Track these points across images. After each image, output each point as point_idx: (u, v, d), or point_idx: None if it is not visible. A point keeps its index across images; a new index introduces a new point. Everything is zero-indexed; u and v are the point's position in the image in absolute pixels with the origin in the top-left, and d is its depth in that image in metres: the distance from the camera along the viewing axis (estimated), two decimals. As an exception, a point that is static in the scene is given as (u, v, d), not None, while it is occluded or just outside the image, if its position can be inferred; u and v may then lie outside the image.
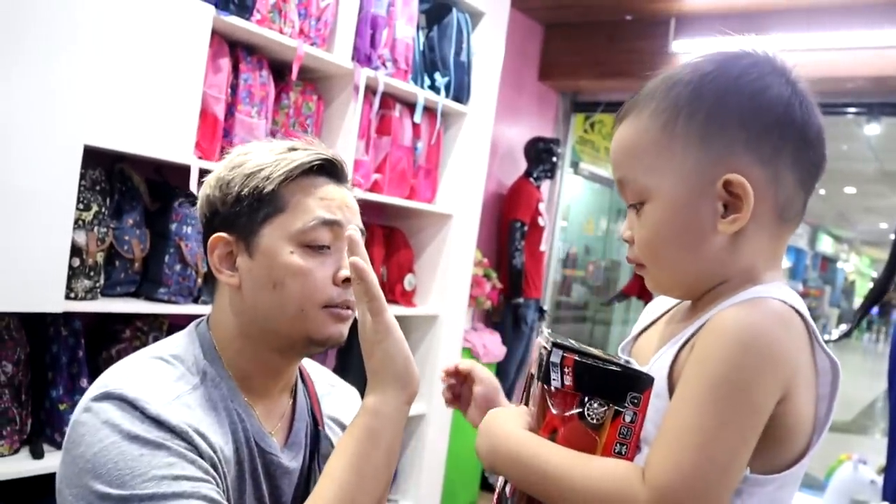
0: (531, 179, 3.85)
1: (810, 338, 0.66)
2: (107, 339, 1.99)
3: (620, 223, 6.46)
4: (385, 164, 2.62)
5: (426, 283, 2.91)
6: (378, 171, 2.62)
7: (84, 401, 0.81)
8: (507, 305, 3.79)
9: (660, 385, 0.67)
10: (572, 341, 0.73)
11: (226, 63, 2.07)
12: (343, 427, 1.05)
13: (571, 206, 5.55)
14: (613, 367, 0.66)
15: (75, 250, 1.75)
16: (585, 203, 6.19)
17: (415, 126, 2.71)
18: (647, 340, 0.80)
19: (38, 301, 1.68)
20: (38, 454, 1.75)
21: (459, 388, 0.99)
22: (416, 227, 2.94)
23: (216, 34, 2.02)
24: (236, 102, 2.12)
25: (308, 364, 1.08)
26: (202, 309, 2.03)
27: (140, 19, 1.79)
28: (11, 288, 1.61)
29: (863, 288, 18.82)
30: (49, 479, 1.69)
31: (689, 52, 3.70)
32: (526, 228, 3.77)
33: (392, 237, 2.86)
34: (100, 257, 1.84)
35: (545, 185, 4.12)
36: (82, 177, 1.75)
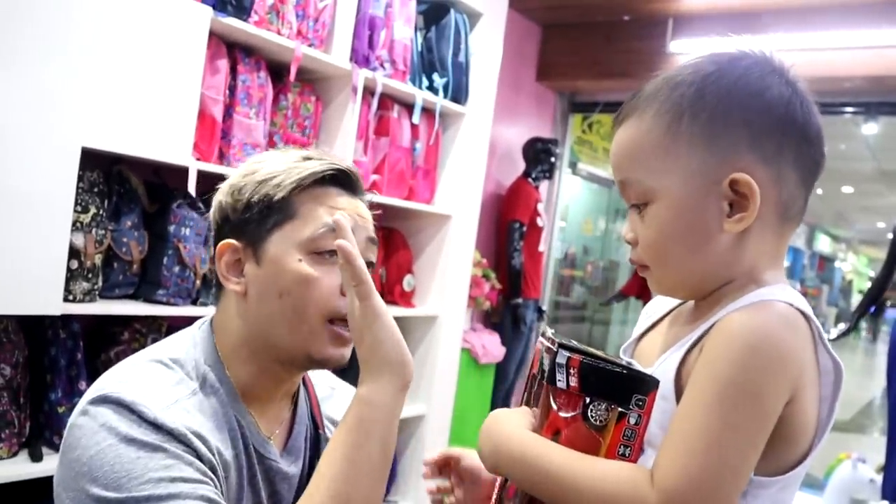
0: (529, 180, 3.85)
1: (814, 338, 0.66)
2: (105, 342, 1.99)
3: (619, 223, 6.50)
4: (383, 165, 2.62)
5: (425, 284, 2.91)
6: (376, 171, 2.62)
7: (81, 404, 0.81)
8: (505, 306, 3.79)
9: (667, 388, 0.67)
10: (575, 343, 0.73)
11: (224, 64, 2.07)
12: None
13: (570, 206, 5.56)
14: (619, 369, 0.66)
15: (73, 252, 1.75)
16: (584, 203, 6.19)
17: (413, 127, 2.71)
18: (650, 342, 0.80)
19: (37, 303, 1.67)
20: (36, 457, 1.75)
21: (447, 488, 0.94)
22: (414, 228, 2.94)
23: (214, 35, 2.01)
24: (234, 104, 2.12)
25: None
26: (201, 311, 2.03)
27: (137, 21, 1.79)
28: (9, 290, 1.61)
29: (860, 287, 18.84)
30: (48, 481, 1.68)
31: (686, 52, 3.70)
32: (524, 229, 3.76)
33: (391, 238, 2.86)
34: (98, 259, 1.83)
35: (543, 186, 4.12)
36: (80, 179, 1.74)
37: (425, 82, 2.74)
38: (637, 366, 0.72)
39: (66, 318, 1.82)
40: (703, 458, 0.61)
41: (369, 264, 0.91)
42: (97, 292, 1.85)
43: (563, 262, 5.83)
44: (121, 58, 1.77)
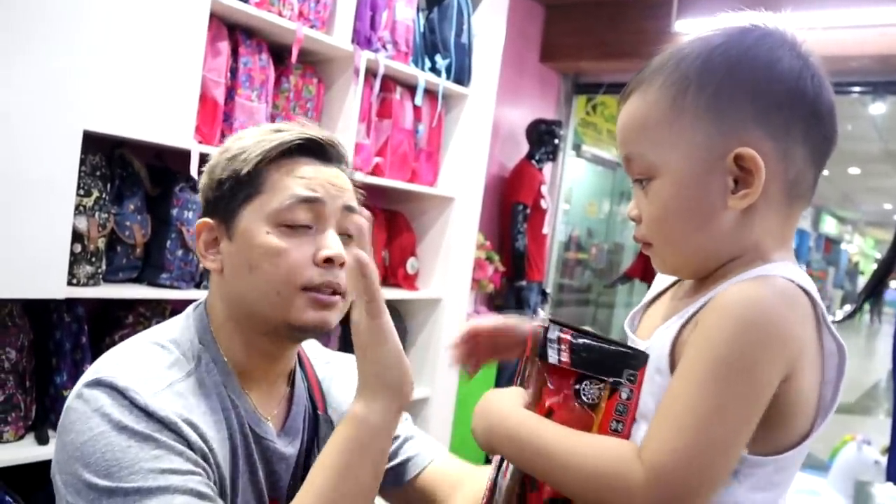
0: (533, 162, 3.84)
1: (817, 319, 0.65)
2: (110, 325, 2.00)
3: (623, 206, 6.46)
4: (386, 148, 2.61)
5: (428, 267, 2.91)
6: (379, 154, 2.61)
7: (77, 386, 0.81)
8: (509, 288, 3.79)
9: (662, 361, 0.67)
10: (572, 324, 0.72)
11: (225, 47, 2.06)
12: None
13: (574, 188, 5.53)
14: (609, 345, 0.66)
15: (76, 236, 1.75)
16: (588, 185, 6.17)
17: (416, 109, 2.70)
18: (653, 314, 0.79)
19: (41, 287, 1.68)
20: (43, 440, 1.76)
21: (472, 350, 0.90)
22: (417, 211, 2.94)
23: (214, 17, 2.00)
24: (236, 86, 2.11)
25: (306, 346, 1.06)
26: (204, 294, 2.02)
27: (138, 4, 1.78)
28: (13, 274, 1.61)
29: (866, 269, 18.79)
30: (54, 464, 1.70)
31: (692, 31, 3.66)
32: (528, 211, 3.75)
33: (394, 221, 2.86)
34: (101, 243, 1.83)
35: (547, 168, 4.10)
36: (82, 162, 1.74)
37: (428, 64, 2.72)
38: (631, 341, 0.73)
39: (71, 302, 1.82)
40: (692, 435, 0.60)
41: (349, 235, 0.90)
42: (101, 276, 1.86)
43: (568, 244, 5.82)
44: (122, 41, 1.76)
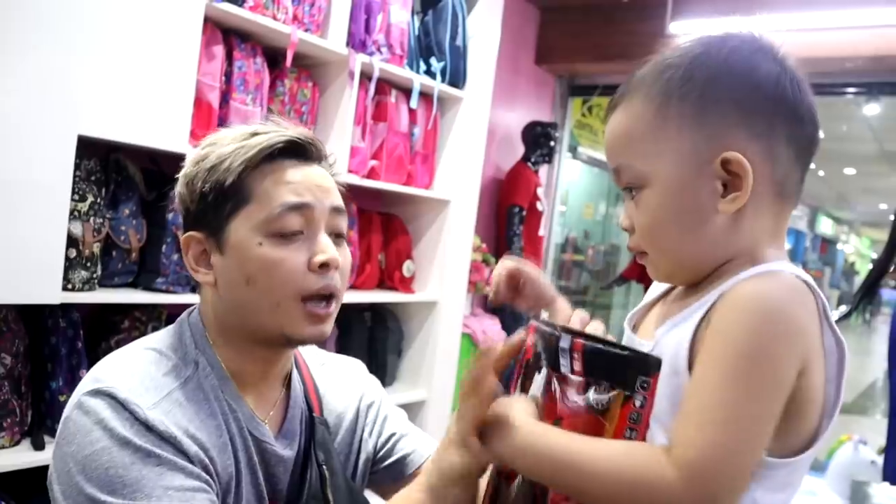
0: (529, 164, 3.84)
1: (819, 314, 0.66)
2: (105, 330, 1.99)
3: (620, 207, 6.44)
4: (382, 151, 2.61)
5: (425, 270, 2.91)
6: (375, 157, 2.61)
7: (76, 395, 0.81)
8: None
9: (679, 362, 0.66)
10: (571, 328, 0.72)
11: (219, 50, 2.06)
12: (344, 420, 1.03)
13: (570, 190, 5.53)
14: (623, 352, 0.65)
15: (71, 241, 1.75)
16: (584, 187, 6.17)
17: (411, 112, 2.70)
18: (654, 314, 0.79)
19: (36, 293, 1.68)
20: (38, 446, 1.75)
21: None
22: (413, 214, 2.94)
23: (209, 21, 2.00)
24: (231, 90, 2.10)
25: (302, 348, 1.06)
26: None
27: (132, 8, 1.78)
28: (8, 280, 1.61)
29: (863, 269, 18.82)
30: (50, 469, 1.69)
31: (686, 33, 3.67)
32: (524, 213, 3.76)
33: (390, 223, 2.86)
34: (96, 248, 1.83)
35: (543, 170, 4.11)
36: (77, 167, 1.74)
37: (423, 67, 2.72)
38: (639, 346, 0.71)
39: (66, 307, 1.82)
40: (721, 430, 0.60)
41: (339, 235, 0.91)
42: (96, 281, 1.85)
43: (564, 246, 5.82)
44: (116, 45, 1.76)
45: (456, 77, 2.81)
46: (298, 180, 0.87)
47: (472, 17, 2.88)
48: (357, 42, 2.40)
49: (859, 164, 9.67)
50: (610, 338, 0.71)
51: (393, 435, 1.06)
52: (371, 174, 2.58)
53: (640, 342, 0.73)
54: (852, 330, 14.50)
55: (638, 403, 0.64)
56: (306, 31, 2.25)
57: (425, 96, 2.75)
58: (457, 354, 3.00)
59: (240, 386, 0.90)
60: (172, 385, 0.83)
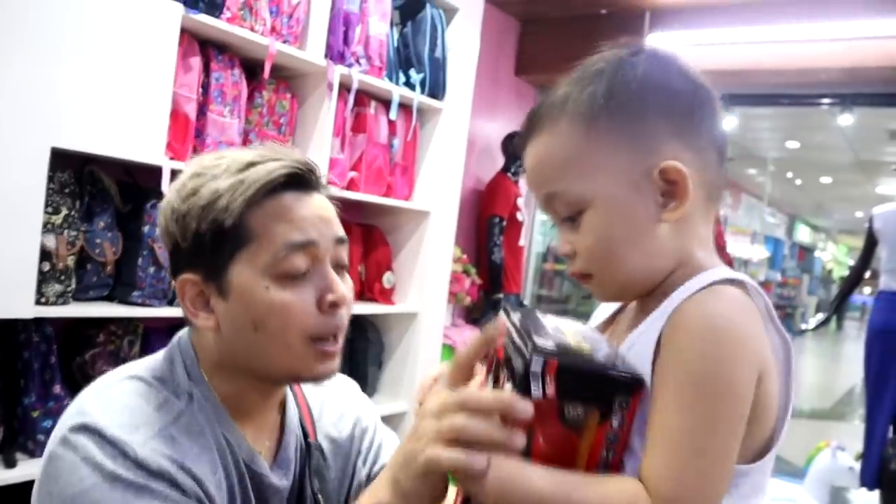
0: (509, 175, 3.85)
1: (763, 317, 0.67)
2: (80, 344, 1.97)
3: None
4: (361, 162, 2.61)
5: (405, 281, 2.90)
6: (354, 168, 2.60)
7: (61, 429, 0.77)
8: (486, 301, 3.78)
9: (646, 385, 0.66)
10: (540, 319, 0.69)
11: (196, 62, 2.05)
12: (338, 445, 0.99)
13: (551, 200, 5.56)
14: (601, 371, 0.62)
15: (45, 254, 1.73)
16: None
17: (390, 123, 2.70)
18: (610, 334, 0.79)
19: (8, 307, 1.65)
20: (10, 463, 1.72)
21: None
22: (393, 225, 2.93)
23: (186, 33, 1.99)
24: (208, 102, 2.09)
25: None
26: (177, 311, 1.99)
27: (107, 19, 1.76)
28: (-21, 294, 1.58)
29: (840, 276, 19.04)
30: (22, 487, 1.66)
31: (664, 44, 3.70)
32: (504, 224, 3.76)
33: (370, 235, 2.85)
34: (70, 261, 1.81)
35: (523, 181, 4.12)
36: (50, 180, 1.72)
37: (402, 78, 2.73)
38: (617, 353, 0.69)
39: (39, 322, 1.79)
40: (694, 461, 0.61)
41: (342, 266, 0.87)
42: (70, 294, 1.83)
43: (546, 255, 5.84)
44: (90, 56, 1.74)
45: (435, 88, 2.81)
46: (301, 216, 0.82)
47: (452, 28, 2.88)
48: (336, 54, 2.40)
49: (835, 173, 9.81)
50: (581, 337, 0.68)
51: (373, 443, 1.04)
52: (350, 186, 2.58)
53: (612, 346, 0.72)
54: (830, 337, 14.64)
55: (616, 423, 0.62)
56: (284, 42, 2.25)
57: (405, 108, 2.75)
58: (437, 366, 2.99)
59: (235, 416, 0.87)
60: (165, 420, 0.79)
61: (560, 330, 0.68)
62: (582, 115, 0.70)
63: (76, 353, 1.95)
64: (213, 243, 0.81)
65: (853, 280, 3.94)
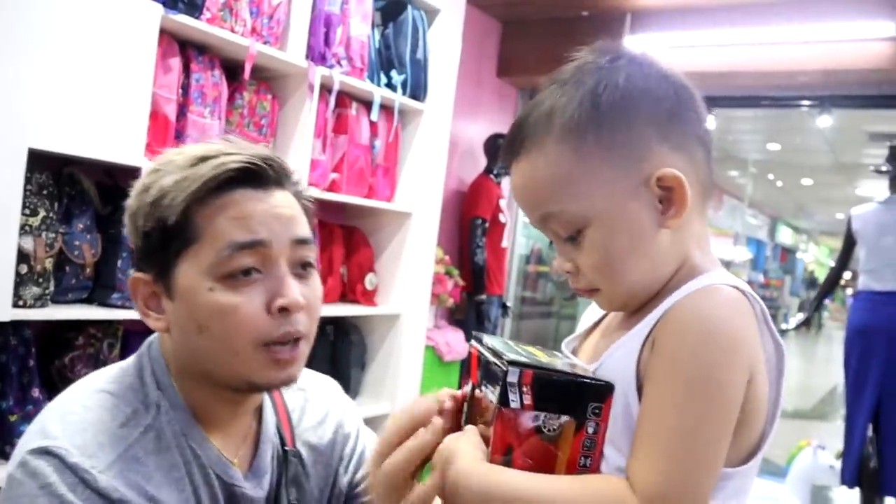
0: (491, 176, 3.86)
1: (756, 319, 0.67)
2: (60, 347, 1.95)
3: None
4: (342, 163, 2.61)
5: (387, 282, 2.90)
6: (336, 170, 2.60)
7: (22, 449, 0.74)
8: (469, 303, 3.79)
9: (628, 384, 0.66)
10: (510, 343, 0.70)
11: (176, 63, 2.04)
12: (318, 452, 0.97)
13: (534, 202, 5.58)
14: (574, 379, 0.64)
15: (22, 257, 1.71)
16: (549, 199, 6.22)
17: (372, 124, 2.70)
18: (595, 339, 0.79)
19: (-17, 310, 1.63)
20: (-13, 467, 1.70)
21: None
22: (375, 226, 2.93)
23: (165, 33, 1.98)
24: (188, 103, 2.08)
25: None
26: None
27: (86, 19, 1.75)
28: (-46, 297, 1.56)
29: (822, 277, 19.22)
30: (-1, 492, 1.64)
31: (644, 47, 3.73)
32: (487, 225, 3.77)
33: (351, 236, 2.85)
34: (49, 263, 1.79)
35: (506, 182, 4.13)
36: (28, 181, 1.70)
37: (384, 79, 2.73)
38: (583, 366, 0.71)
39: (17, 325, 1.78)
40: (681, 459, 0.60)
41: (306, 265, 0.84)
42: (49, 297, 1.81)
43: (529, 257, 5.86)
44: (69, 56, 1.73)
45: (417, 90, 2.81)
46: (251, 213, 0.78)
47: (433, 30, 2.89)
48: (317, 55, 2.40)
49: (816, 174, 9.92)
50: (549, 354, 0.70)
51: (362, 452, 1.02)
52: (332, 187, 2.57)
53: (584, 365, 0.72)
54: (812, 337, 14.78)
55: (591, 430, 0.64)
56: (265, 43, 2.24)
57: (386, 109, 2.75)
58: (420, 367, 2.99)
59: (207, 425, 0.84)
60: (130, 438, 0.77)
61: (530, 352, 0.69)
62: (569, 131, 0.68)
63: (55, 357, 1.93)
64: (159, 242, 0.78)
65: (832, 280, 3.98)
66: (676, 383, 0.62)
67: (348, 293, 2.80)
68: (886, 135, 6.30)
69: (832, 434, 4.67)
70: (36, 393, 1.81)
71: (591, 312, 0.84)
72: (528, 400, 0.63)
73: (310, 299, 0.82)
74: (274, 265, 0.79)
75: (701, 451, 0.61)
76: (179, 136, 2.08)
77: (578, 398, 0.63)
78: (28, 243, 1.73)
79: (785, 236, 18.11)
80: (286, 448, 0.92)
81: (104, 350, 2.00)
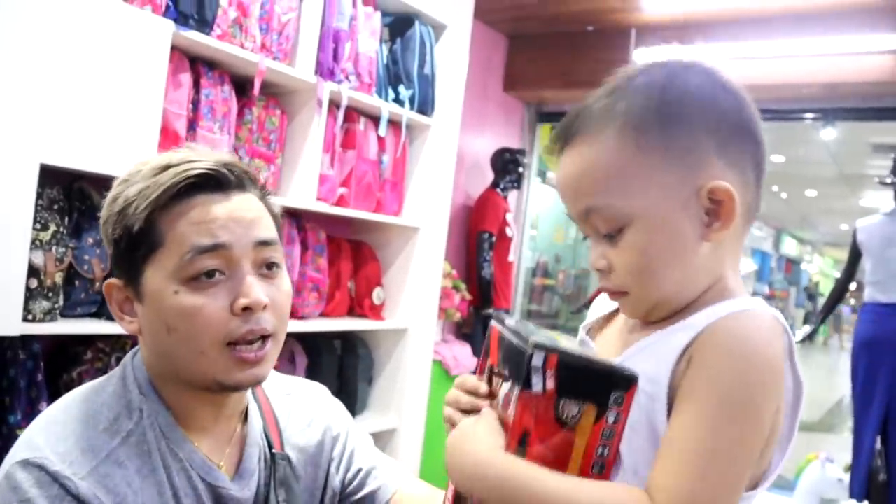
0: (498, 190, 3.87)
1: (785, 354, 0.67)
2: (68, 361, 1.95)
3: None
4: (351, 178, 2.61)
5: (395, 297, 2.90)
6: (344, 184, 2.61)
7: (9, 461, 0.77)
8: (477, 317, 3.79)
9: (658, 392, 0.66)
10: (531, 326, 0.70)
11: (186, 78, 2.05)
12: (307, 454, 0.99)
13: (541, 215, 5.58)
14: (599, 366, 0.63)
15: (32, 271, 1.72)
16: (555, 212, 6.23)
17: (380, 139, 2.71)
18: (613, 330, 0.79)
19: (-6, 324, 1.64)
20: (-3, 482, 1.70)
21: None
22: (383, 241, 2.93)
23: (176, 50, 2.00)
24: (198, 118, 2.10)
25: None
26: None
27: (99, 35, 1.77)
28: (-34, 312, 1.57)
29: (826, 289, 19.17)
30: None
31: (650, 61, 3.75)
32: (494, 239, 3.78)
33: (359, 251, 2.85)
34: (58, 278, 1.80)
35: (512, 196, 4.14)
36: (39, 196, 1.71)
37: (391, 94, 2.74)
38: (601, 355, 0.70)
39: (26, 339, 1.78)
40: (711, 480, 0.60)
41: (271, 265, 0.86)
42: (58, 311, 1.82)
43: (535, 270, 5.86)
44: (81, 73, 1.74)
45: (424, 105, 2.83)
46: (212, 217, 0.81)
47: (441, 45, 2.91)
48: (325, 70, 2.41)
49: (820, 186, 9.90)
50: (573, 345, 0.69)
51: (360, 470, 1.03)
52: (340, 202, 2.58)
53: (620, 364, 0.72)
54: (820, 349, 14.72)
55: (611, 419, 0.63)
56: (274, 59, 2.26)
57: (394, 124, 2.76)
58: (427, 381, 2.98)
59: (191, 428, 0.87)
60: (112, 443, 0.79)
61: (552, 337, 0.68)
62: (632, 126, 0.67)
63: (63, 371, 1.94)
64: (127, 249, 0.82)
65: (838, 292, 3.98)
66: (715, 403, 0.61)
67: (356, 307, 2.80)
68: (890, 146, 6.30)
69: (840, 447, 4.65)
70: (44, 407, 1.79)
71: (601, 303, 0.83)
72: (550, 384, 0.62)
73: (275, 298, 0.85)
74: (237, 267, 0.82)
75: (731, 475, 0.61)
76: (189, 152, 2.09)
77: (602, 385, 0.63)
78: (38, 258, 1.74)
79: (789, 247, 18.07)
80: (273, 451, 0.94)
81: (112, 364, 2.00)
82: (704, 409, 0.62)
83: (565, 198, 0.72)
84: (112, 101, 1.81)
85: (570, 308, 6.34)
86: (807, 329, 4.27)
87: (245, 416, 0.94)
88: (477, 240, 3.75)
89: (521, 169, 3.91)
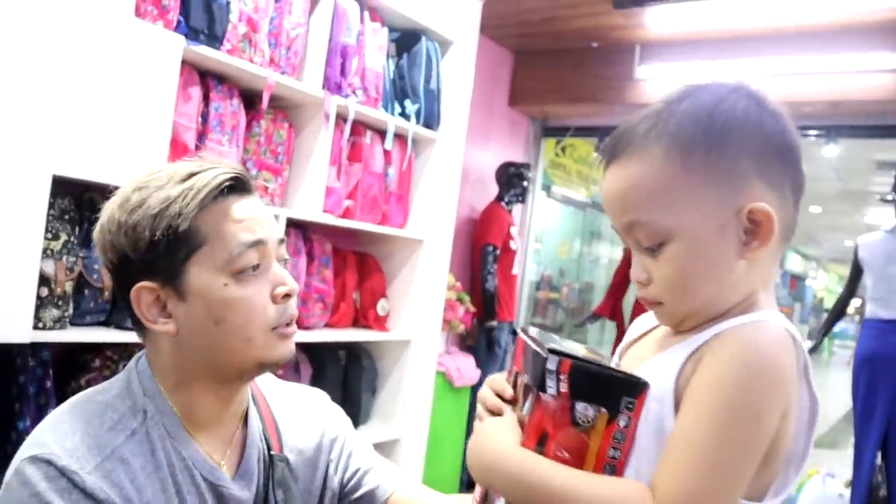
0: (503, 204, 3.90)
1: (800, 370, 0.68)
2: (76, 369, 1.98)
3: (594, 246, 6.48)
4: (356, 191, 2.65)
5: (399, 308, 2.92)
6: (350, 197, 2.64)
7: (18, 458, 0.80)
8: (480, 329, 3.81)
9: (665, 393, 0.68)
10: (555, 337, 0.74)
11: (196, 92, 2.09)
12: (305, 456, 1.02)
13: (545, 229, 5.61)
14: (609, 372, 0.67)
15: (43, 280, 1.74)
16: (559, 226, 6.25)
17: (386, 153, 2.74)
18: (640, 350, 0.81)
19: (5, 332, 1.66)
20: (5, 488, 1.72)
21: None
22: (388, 253, 2.96)
23: (186, 64, 2.03)
24: (207, 131, 2.13)
25: (261, 381, 1.05)
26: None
27: (111, 50, 1.80)
28: (-22, 319, 1.60)
29: (831, 304, 19.11)
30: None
31: (653, 78, 3.79)
32: (498, 252, 3.80)
33: (364, 263, 2.88)
34: (69, 286, 1.83)
35: (517, 209, 4.17)
36: (50, 206, 1.74)
37: (398, 109, 2.78)
38: (618, 364, 0.74)
39: (36, 346, 1.81)
40: (706, 478, 0.62)
41: (284, 261, 0.93)
42: (68, 320, 1.84)
43: (540, 284, 5.88)
44: (93, 86, 1.78)
45: (430, 119, 2.86)
46: (248, 216, 0.89)
47: (447, 60, 2.94)
48: (333, 85, 2.45)
49: (824, 202, 9.90)
50: (590, 351, 0.73)
51: (358, 470, 1.06)
52: (346, 214, 2.61)
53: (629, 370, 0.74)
54: (824, 363, 14.65)
55: (622, 424, 0.67)
56: (283, 73, 2.29)
57: (400, 137, 2.80)
58: (431, 393, 3.00)
59: (194, 428, 0.90)
60: (117, 441, 0.82)
61: (570, 347, 0.72)
62: (679, 147, 0.70)
63: (72, 378, 1.96)
64: (168, 249, 0.85)
65: (839, 308, 3.98)
66: (717, 404, 0.64)
67: (360, 318, 2.83)
68: (893, 163, 6.32)
69: (842, 463, 4.63)
70: (53, 415, 1.83)
71: (641, 321, 0.85)
72: (564, 388, 0.67)
73: (297, 286, 0.95)
74: (269, 260, 0.90)
75: (730, 475, 0.63)
76: (198, 164, 2.12)
77: (612, 391, 0.67)
78: (49, 267, 1.77)
79: (794, 264, 18.04)
80: (272, 453, 0.98)
81: (119, 372, 2.03)
82: (706, 410, 0.64)
83: (610, 210, 0.75)
84: (123, 114, 1.85)
85: (573, 321, 6.34)
86: (808, 344, 4.27)
87: (245, 419, 0.97)
88: (481, 252, 3.77)
89: (525, 183, 3.94)
